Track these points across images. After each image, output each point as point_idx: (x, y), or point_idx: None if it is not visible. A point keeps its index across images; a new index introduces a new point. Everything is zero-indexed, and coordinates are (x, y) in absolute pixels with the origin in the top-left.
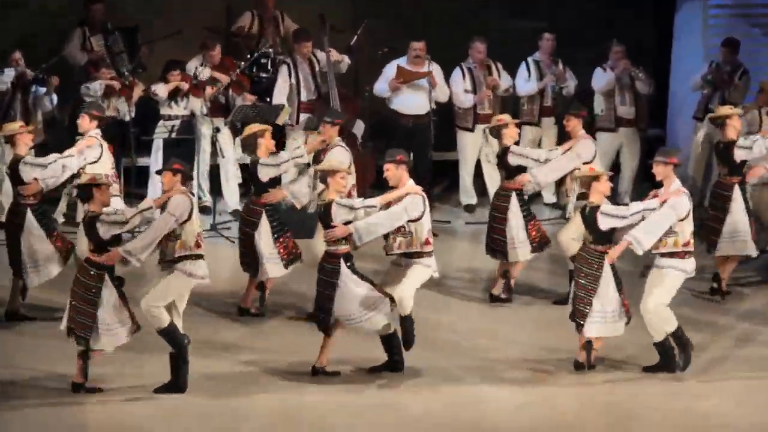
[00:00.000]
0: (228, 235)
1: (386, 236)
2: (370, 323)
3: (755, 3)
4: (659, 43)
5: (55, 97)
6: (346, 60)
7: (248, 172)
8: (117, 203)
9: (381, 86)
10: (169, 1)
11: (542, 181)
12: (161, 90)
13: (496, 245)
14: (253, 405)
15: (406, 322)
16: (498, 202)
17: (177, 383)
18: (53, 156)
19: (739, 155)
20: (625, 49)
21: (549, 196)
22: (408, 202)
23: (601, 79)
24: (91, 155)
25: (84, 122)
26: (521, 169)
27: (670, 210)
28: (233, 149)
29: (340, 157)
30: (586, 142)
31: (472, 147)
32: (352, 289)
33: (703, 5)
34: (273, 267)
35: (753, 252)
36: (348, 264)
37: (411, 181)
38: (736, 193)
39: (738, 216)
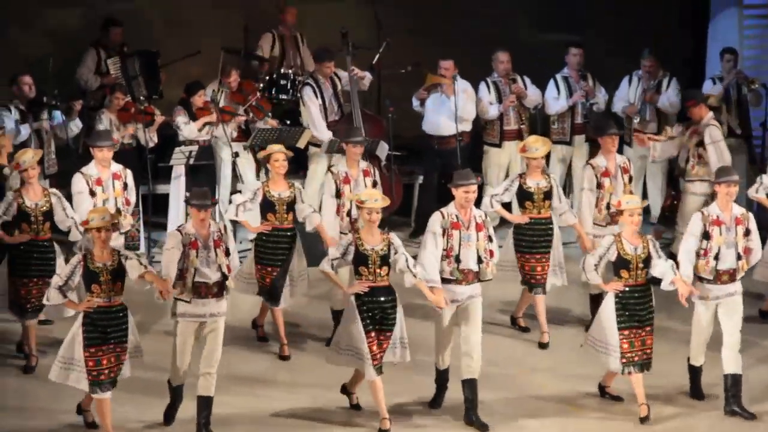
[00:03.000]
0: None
1: (480, 261)
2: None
3: None
4: (696, 52)
5: (79, 123)
6: (368, 76)
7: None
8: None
9: (413, 99)
10: (186, 21)
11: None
12: (191, 131)
13: None
14: None
15: (473, 386)
16: None
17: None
18: None
19: None
20: (655, 63)
21: None
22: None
23: (625, 91)
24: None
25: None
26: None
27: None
28: (254, 174)
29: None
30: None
31: (497, 164)
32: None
33: (738, 14)
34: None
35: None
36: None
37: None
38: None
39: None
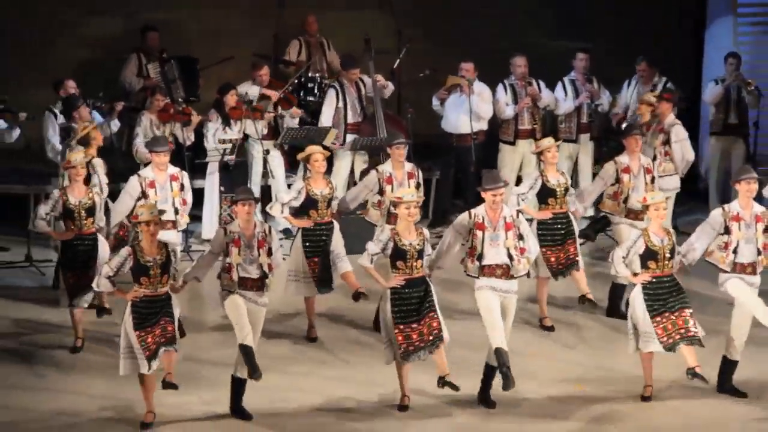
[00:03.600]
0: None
1: (510, 258)
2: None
3: None
4: (696, 56)
5: (117, 122)
6: (390, 86)
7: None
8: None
9: (434, 99)
10: (218, 30)
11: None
12: (210, 142)
13: None
14: None
15: (493, 372)
16: None
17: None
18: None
19: None
20: (648, 67)
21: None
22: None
23: (626, 92)
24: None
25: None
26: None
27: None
28: (283, 170)
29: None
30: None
31: (512, 161)
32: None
33: (733, 21)
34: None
35: None
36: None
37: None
38: None
39: None
